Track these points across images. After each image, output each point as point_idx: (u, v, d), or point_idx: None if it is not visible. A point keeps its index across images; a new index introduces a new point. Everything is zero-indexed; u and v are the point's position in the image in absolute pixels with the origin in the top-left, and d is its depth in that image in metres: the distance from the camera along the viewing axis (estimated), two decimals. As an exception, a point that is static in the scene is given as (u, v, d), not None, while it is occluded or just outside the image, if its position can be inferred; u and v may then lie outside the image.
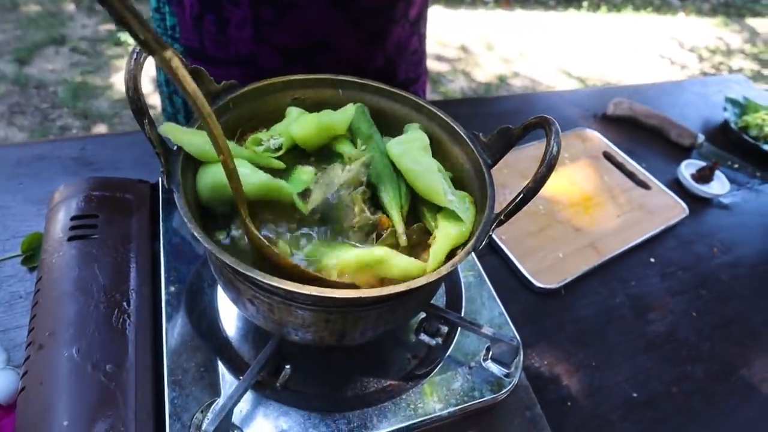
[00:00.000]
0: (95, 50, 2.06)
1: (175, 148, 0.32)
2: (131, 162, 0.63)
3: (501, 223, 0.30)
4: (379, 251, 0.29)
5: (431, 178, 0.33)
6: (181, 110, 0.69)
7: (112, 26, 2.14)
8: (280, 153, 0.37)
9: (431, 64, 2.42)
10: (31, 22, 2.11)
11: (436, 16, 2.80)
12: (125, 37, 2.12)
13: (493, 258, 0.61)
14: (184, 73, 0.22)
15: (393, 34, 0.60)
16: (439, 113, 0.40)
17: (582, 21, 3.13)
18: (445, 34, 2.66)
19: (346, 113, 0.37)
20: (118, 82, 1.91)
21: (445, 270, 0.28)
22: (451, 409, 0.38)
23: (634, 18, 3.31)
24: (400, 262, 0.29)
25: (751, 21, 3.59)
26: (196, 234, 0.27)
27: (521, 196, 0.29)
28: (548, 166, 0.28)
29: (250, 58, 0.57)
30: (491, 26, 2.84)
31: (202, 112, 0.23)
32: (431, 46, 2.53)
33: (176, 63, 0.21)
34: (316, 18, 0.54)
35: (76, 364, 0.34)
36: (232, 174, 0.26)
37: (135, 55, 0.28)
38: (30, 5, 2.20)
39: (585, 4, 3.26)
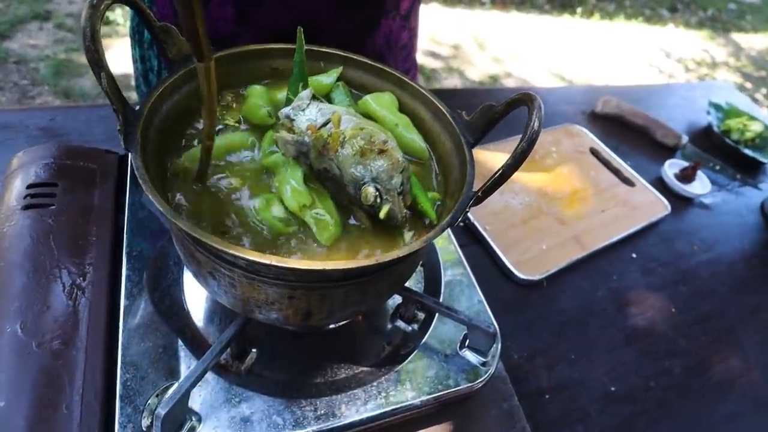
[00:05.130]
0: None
1: (137, 108, 0.30)
2: (103, 135, 0.60)
3: (479, 200, 0.29)
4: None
5: (410, 131, 0.37)
6: None
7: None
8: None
9: (425, 61, 2.40)
10: (13, -4, 2.02)
11: (431, 14, 2.79)
12: (114, 15, 2.06)
13: (476, 248, 0.60)
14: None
15: (383, 27, 0.59)
16: (423, 91, 0.38)
17: (575, 26, 3.16)
18: (439, 32, 2.65)
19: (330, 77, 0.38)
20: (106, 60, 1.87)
21: (416, 245, 0.26)
22: (425, 398, 0.37)
23: (626, 26, 3.36)
24: None
25: (736, 36, 3.69)
26: (150, 197, 0.25)
27: (500, 172, 0.28)
28: (529, 141, 0.27)
29: (230, 38, 0.54)
30: (486, 26, 2.84)
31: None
32: (425, 43, 2.52)
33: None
34: (303, 0, 0.52)
35: (20, 341, 0.31)
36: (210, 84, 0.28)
37: (94, 1, 0.25)
38: (12, -21, 2.11)
39: (579, 10, 3.30)
